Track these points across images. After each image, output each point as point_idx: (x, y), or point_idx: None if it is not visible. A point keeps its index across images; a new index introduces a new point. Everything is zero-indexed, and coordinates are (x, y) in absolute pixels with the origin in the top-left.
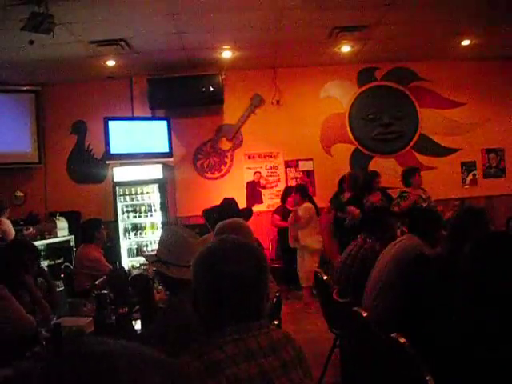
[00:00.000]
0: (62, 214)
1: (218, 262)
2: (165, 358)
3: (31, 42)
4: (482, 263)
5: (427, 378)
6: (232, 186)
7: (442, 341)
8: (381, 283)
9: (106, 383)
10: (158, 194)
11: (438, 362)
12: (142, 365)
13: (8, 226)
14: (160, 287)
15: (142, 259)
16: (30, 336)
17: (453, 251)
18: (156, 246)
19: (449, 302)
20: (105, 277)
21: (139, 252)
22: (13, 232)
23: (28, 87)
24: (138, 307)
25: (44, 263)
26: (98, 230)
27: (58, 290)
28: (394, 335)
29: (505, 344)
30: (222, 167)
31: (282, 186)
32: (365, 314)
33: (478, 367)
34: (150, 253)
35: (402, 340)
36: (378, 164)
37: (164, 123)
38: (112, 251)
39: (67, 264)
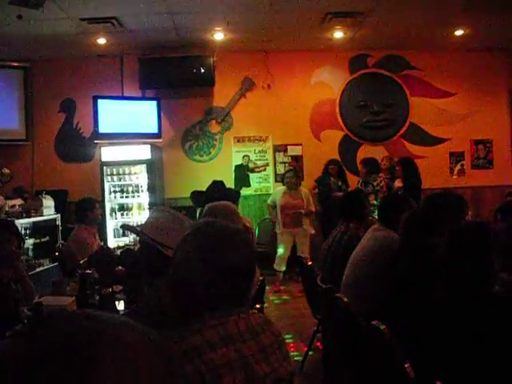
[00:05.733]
0: (48, 193)
1: (208, 249)
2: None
3: (19, 17)
4: (458, 252)
5: (406, 366)
6: (220, 169)
7: (421, 328)
8: (357, 273)
9: (90, 342)
10: (146, 175)
11: (417, 349)
12: (127, 330)
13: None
14: None
15: (127, 239)
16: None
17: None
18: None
19: (428, 290)
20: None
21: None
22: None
23: (17, 63)
24: (121, 288)
25: (29, 241)
26: (91, 210)
27: (43, 268)
28: (374, 322)
29: (484, 333)
30: (211, 150)
31: (270, 171)
32: (347, 301)
33: (458, 354)
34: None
35: (382, 327)
36: (366, 151)
37: (154, 103)
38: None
39: (62, 242)
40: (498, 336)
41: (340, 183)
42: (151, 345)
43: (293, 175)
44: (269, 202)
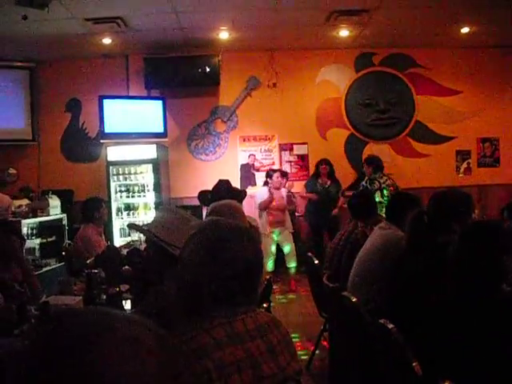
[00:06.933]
0: (54, 193)
1: (213, 248)
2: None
3: (25, 18)
4: (470, 251)
5: (413, 365)
6: (226, 168)
7: (429, 327)
8: (363, 272)
9: (102, 339)
10: (152, 175)
11: (425, 348)
12: (138, 327)
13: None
14: None
15: (133, 239)
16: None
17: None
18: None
19: (436, 288)
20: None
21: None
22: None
23: (22, 64)
24: (128, 287)
25: (36, 241)
26: (98, 210)
27: (50, 267)
28: (381, 321)
29: (490, 333)
30: (217, 149)
31: None
32: (354, 299)
33: (466, 354)
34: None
35: (390, 326)
36: (372, 150)
37: (159, 103)
38: (104, 230)
39: (69, 241)
40: (506, 336)
41: (328, 184)
42: (161, 341)
43: (281, 175)
44: (259, 205)
